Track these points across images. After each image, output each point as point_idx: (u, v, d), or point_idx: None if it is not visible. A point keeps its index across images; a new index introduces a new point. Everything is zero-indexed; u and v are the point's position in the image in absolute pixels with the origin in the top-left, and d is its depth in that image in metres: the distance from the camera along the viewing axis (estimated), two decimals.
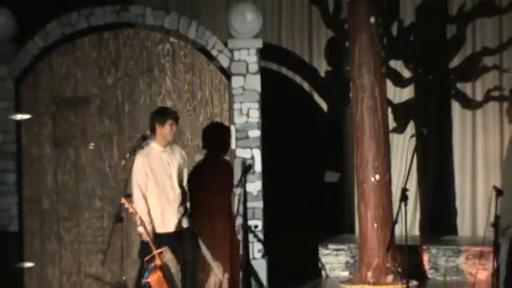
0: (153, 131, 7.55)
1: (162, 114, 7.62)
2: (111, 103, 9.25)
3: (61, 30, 9.24)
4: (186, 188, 7.80)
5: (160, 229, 7.62)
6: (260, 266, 9.06)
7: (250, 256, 9.03)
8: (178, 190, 7.62)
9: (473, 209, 10.43)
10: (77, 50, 9.26)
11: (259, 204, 9.09)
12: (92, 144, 9.16)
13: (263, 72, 9.29)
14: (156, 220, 7.62)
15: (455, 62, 10.62)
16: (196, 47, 9.29)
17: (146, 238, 7.61)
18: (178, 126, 8.09)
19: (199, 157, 9.16)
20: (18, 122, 9.20)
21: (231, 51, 9.16)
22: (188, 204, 7.79)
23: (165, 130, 7.52)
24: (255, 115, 9.14)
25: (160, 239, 7.56)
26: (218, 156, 9.14)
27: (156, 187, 7.59)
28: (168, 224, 7.64)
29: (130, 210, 7.75)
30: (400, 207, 6.82)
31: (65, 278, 9.20)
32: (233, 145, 9.15)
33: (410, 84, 10.79)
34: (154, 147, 7.58)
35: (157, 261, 7.71)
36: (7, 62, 9.19)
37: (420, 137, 7.19)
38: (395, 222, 6.92)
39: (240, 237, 9.01)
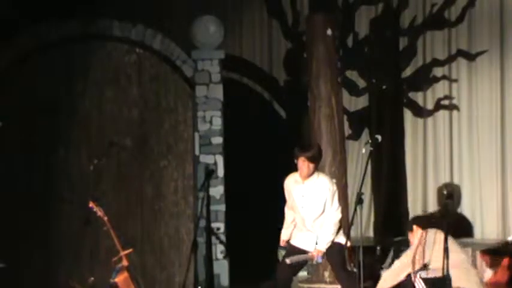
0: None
1: (298, 149, 7.14)
2: (80, 111, 9.35)
3: (32, 41, 9.30)
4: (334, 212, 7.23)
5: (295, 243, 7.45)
6: (222, 267, 9.31)
7: (213, 257, 9.25)
8: (312, 217, 7.24)
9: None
10: (46, 60, 9.34)
11: (222, 207, 9.32)
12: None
13: (225, 81, 9.51)
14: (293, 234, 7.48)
15: (407, 72, 10.80)
16: (161, 57, 9.45)
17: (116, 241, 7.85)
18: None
19: (164, 163, 9.39)
20: None
21: (195, 61, 9.38)
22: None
23: (298, 164, 7.12)
24: (218, 122, 9.39)
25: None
26: None
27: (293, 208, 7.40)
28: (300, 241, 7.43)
29: (99, 213, 7.95)
30: (355, 209, 6.95)
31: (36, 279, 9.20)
32: (197, 151, 9.35)
33: (365, 94, 10.97)
34: (295, 176, 7.27)
35: (124, 262, 7.90)
36: None
37: (374, 143, 7.28)
38: (351, 224, 7.12)
39: (203, 239, 9.19)
